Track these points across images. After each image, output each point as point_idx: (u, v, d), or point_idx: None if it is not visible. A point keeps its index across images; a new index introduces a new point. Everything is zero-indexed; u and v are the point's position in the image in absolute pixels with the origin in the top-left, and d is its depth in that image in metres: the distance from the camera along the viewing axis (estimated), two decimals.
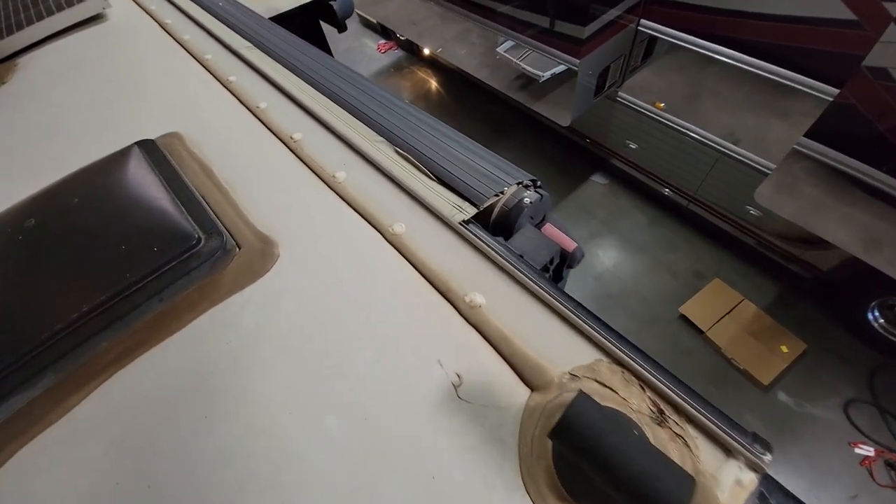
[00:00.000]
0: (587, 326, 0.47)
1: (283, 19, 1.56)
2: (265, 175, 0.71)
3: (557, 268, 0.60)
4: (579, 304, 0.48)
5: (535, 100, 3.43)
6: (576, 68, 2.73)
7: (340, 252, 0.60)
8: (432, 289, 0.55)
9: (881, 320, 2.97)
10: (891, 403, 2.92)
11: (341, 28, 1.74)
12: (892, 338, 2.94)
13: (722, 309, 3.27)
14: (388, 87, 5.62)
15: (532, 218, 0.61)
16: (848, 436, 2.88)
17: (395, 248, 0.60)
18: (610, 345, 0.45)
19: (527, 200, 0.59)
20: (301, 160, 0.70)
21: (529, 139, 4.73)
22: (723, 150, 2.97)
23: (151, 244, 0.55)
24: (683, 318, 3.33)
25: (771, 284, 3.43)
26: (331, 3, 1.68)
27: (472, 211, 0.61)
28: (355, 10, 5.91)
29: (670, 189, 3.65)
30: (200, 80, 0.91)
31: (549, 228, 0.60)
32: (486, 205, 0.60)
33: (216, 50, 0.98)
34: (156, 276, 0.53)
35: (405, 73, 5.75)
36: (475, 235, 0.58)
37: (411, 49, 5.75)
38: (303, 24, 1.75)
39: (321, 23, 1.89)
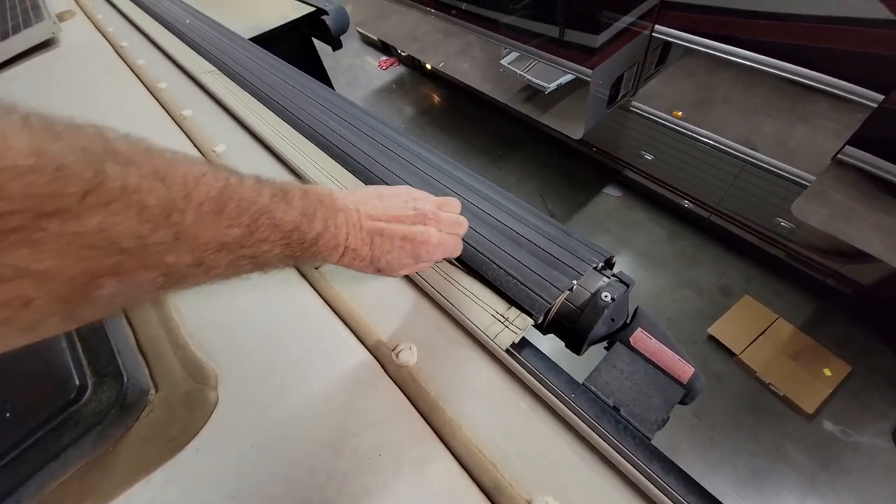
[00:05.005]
0: None
1: (270, 39, 1.39)
2: None
3: None
4: None
5: (542, 112, 3.27)
6: (588, 79, 2.56)
7: (316, 394, 0.38)
8: (468, 480, 0.32)
9: None
10: None
11: (336, 45, 1.57)
12: None
13: (755, 329, 3.02)
14: (391, 105, 5.58)
15: (613, 321, 0.39)
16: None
17: (402, 390, 0.38)
18: None
19: (606, 296, 0.37)
20: None
21: (538, 152, 4.58)
22: (748, 159, 2.77)
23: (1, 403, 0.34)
24: (713, 338, 3.08)
25: (806, 301, 3.19)
26: (323, 18, 1.51)
27: (526, 324, 0.38)
28: (356, 28, 5.89)
29: (690, 201, 3.44)
30: (149, 115, 0.73)
31: (646, 341, 0.37)
32: (546, 310, 0.38)
33: (173, 77, 0.81)
34: (7, 464, 0.31)
35: (407, 88, 5.66)
36: (541, 379, 0.34)
37: (413, 65, 5.67)
38: (293, 44, 1.59)
39: (315, 41, 1.73)
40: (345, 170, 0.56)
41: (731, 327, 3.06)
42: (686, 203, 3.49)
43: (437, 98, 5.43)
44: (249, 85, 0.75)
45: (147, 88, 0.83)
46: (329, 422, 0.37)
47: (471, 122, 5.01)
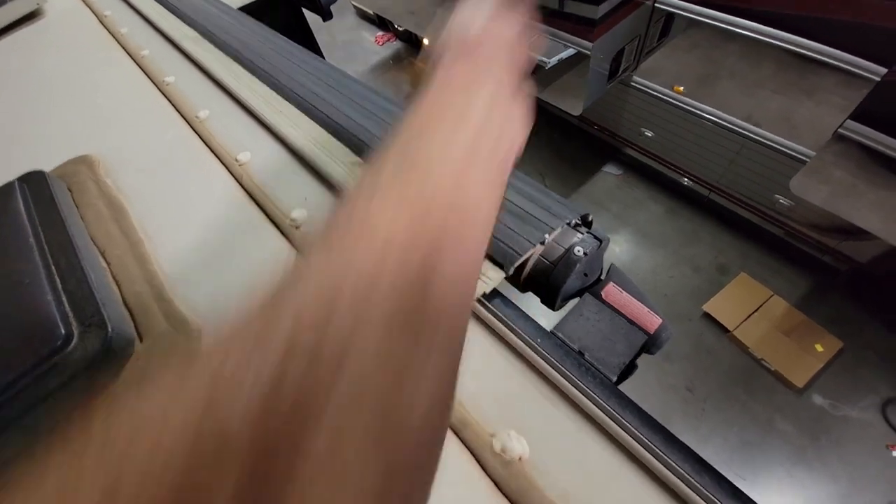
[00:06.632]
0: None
1: (259, 9, 1.36)
2: (199, 214, 0.52)
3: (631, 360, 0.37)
4: (704, 465, 0.27)
5: (541, 88, 3.21)
6: (588, 52, 2.50)
7: None
8: None
9: None
10: None
11: (326, 16, 1.53)
12: None
13: (749, 306, 3.05)
14: (388, 81, 5.46)
15: (586, 276, 0.40)
16: (886, 437, 2.73)
17: None
18: None
19: (579, 251, 0.38)
20: (245, 189, 0.52)
21: (538, 130, 4.51)
22: (749, 135, 2.74)
23: None
24: (708, 315, 3.12)
25: (802, 278, 3.20)
26: None
27: (498, 277, 0.39)
28: (352, 2, 5.71)
29: (689, 178, 3.42)
30: (132, 82, 0.73)
31: (617, 294, 0.39)
32: (519, 263, 0.40)
33: (155, 44, 0.80)
34: None
35: (404, 64, 5.55)
36: (509, 326, 0.36)
37: (410, 39, 5.54)
38: (283, 14, 1.55)
39: (304, 12, 1.69)
40: (327, 132, 0.57)
41: (726, 304, 3.09)
42: (686, 181, 3.47)
43: None
44: (234, 51, 0.74)
45: (131, 56, 0.83)
46: None
47: None
